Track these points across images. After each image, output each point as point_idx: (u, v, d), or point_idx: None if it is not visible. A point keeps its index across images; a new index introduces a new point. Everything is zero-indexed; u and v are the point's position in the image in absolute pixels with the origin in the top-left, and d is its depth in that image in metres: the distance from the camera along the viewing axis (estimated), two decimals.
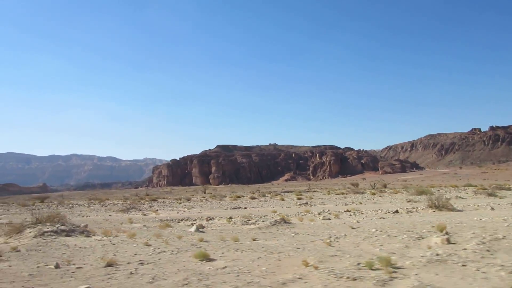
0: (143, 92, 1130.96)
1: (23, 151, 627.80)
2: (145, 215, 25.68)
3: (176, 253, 8.66)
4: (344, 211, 19.91)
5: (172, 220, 19.45)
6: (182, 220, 18.95)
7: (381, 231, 10.91)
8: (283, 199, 41.27)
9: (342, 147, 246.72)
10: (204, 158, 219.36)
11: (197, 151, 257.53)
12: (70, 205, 40.90)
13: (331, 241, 9.32)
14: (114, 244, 10.62)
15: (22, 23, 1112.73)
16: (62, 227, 12.99)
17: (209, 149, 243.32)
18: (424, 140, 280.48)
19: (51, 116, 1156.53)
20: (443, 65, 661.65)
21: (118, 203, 43.85)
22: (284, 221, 14.39)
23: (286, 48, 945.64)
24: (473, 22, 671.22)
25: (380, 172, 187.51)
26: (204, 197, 51.90)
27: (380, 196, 38.13)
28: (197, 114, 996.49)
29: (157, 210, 29.00)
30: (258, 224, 15.64)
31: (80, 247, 10.39)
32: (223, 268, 6.90)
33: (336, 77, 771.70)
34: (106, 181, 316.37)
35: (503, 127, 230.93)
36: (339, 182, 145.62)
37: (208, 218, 18.88)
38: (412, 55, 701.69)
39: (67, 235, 12.58)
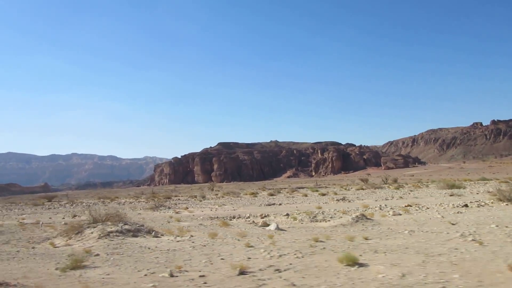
0: (143, 91, 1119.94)
1: (24, 151, 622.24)
2: (177, 212, 24.26)
3: (301, 257, 7.24)
4: (405, 206, 18.56)
5: (223, 218, 18.00)
6: (234, 218, 17.50)
7: (506, 227, 9.55)
8: (306, 195, 40.02)
9: (343, 143, 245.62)
10: (206, 156, 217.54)
11: (198, 149, 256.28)
12: (84, 204, 39.36)
13: (474, 239, 7.94)
14: (204, 246, 9.18)
15: (25, 25, 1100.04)
16: (126, 227, 11.56)
17: (210, 147, 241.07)
18: (425, 135, 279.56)
19: (51, 116, 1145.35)
20: (444, 58, 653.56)
21: (132, 201, 42.33)
22: (365, 217, 13.03)
23: (286, 45, 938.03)
24: (474, 15, 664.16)
25: (383, 168, 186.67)
26: (216, 195, 50.53)
27: (411, 191, 36.79)
28: (197, 112, 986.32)
29: (187, 208, 27.57)
30: (328, 221, 14.28)
31: (168, 250, 8.94)
32: (402, 276, 5.50)
33: (335, 73, 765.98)
34: (107, 180, 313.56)
35: (505, 121, 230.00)
36: (344, 178, 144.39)
37: (263, 216, 17.46)
38: (412, 49, 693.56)
39: (133, 236, 11.16)
